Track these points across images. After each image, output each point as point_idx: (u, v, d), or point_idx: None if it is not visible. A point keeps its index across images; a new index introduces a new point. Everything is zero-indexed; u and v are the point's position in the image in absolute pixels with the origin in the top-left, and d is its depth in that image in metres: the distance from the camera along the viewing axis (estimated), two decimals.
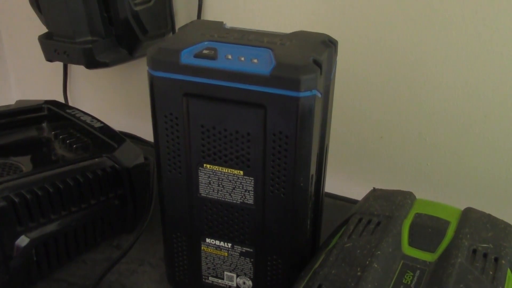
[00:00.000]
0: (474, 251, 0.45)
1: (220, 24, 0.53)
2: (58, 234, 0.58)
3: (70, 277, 0.61)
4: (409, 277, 0.44)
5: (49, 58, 0.81)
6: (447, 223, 0.50)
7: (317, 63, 0.44)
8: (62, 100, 1.03)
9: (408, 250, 0.47)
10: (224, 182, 0.50)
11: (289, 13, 0.75)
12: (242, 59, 0.45)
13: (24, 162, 0.65)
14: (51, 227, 0.57)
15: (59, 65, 0.99)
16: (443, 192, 0.75)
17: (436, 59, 0.68)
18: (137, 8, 0.76)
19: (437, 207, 0.53)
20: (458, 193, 0.74)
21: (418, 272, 0.45)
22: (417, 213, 0.52)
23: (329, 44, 0.49)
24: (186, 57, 0.46)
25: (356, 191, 0.67)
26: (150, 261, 0.64)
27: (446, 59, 0.68)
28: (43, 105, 0.74)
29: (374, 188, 0.58)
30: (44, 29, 0.81)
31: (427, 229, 0.49)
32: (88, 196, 0.61)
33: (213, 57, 0.45)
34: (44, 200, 0.56)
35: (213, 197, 0.51)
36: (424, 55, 0.69)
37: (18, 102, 0.74)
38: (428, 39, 0.68)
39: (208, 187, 0.51)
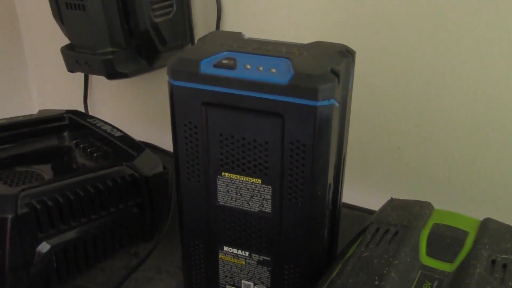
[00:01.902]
0: (493, 261, 0.45)
1: (238, 35, 0.54)
2: (78, 241, 0.59)
3: (89, 284, 0.62)
4: (427, 287, 0.44)
5: (71, 69, 0.83)
6: (465, 233, 0.49)
7: (335, 73, 0.45)
8: (82, 109, 1.04)
9: (426, 260, 0.47)
10: (242, 191, 0.50)
11: (307, 24, 0.75)
12: (261, 68, 0.45)
13: (46, 170, 0.66)
14: (71, 234, 0.58)
15: (80, 75, 1.01)
16: (462, 202, 0.74)
17: (454, 69, 0.68)
18: (157, 20, 0.77)
19: (456, 217, 0.52)
20: (476, 203, 0.73)
21: (436, 282, 0.44)
22: (435, 223, 0.51)
23: (346, 54, 0.49)
24: (206, 67, 0.46)
25: (374, 201, 0.66)
26: (167, 269, 0.65)
27: (464, 69, 0.67)
28: (64, 115, 0.75)
29: (391, 198, 0.58)
30: (66, 41, 0.82)
31: (446, 239, 0.49)
32: (107, 204, 0.61)
33: (232, 67, 0.46)
34: (65, 207, 0.57)
35: (231, 205, 0.51)
36: (441, 66, 0.69)
37: (40, 111, 0.76)
38: (445, 49, 0.68)
39: (226, 195, 0.51)
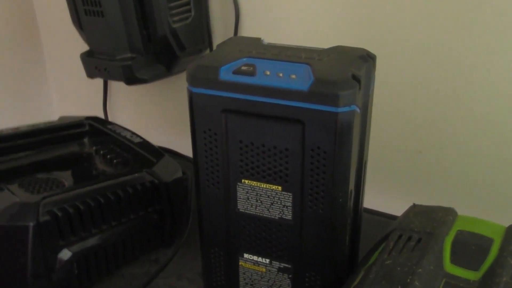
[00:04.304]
0: None
1: (258, 41, 0.53)
2: (98, 248, 0.59)
3: None
4: None
5: (90, 75, 0.83)
6: (490, 240, 0.48)
7: (356, 78, 0.44)
8: (102, 115, 1.05)
9: (450, 268, 0.46)
10: (262, 198, 0.50)
11: (327, 28, 0.75)
12: (281, 75, 0.45)
13: (66, 177, 0.66)
14: (92, 241, 0.58)
15: (99, 81, 1.02)
16: (486, 208, 0.73)
17: (476, 71, 0.67)
18: (175, 25, 0.77)
19: (480, 224, 0.51)
20: (501, 209, 0.72)
21: None
22: (459, 230, 0.50)
23: (367, 58, 0.49)
24: (225, 74, 0.46)
25: (395, 207, 0.66)
26: (188, 275, 0.65)
27: (489, 69, 0.66)
28: (84, 121, 0.75)
29: (414, 204, 0.57)
30: (85, 47, 0.83)
31: (470, 247, 0.48)
32: (128, 211, 0.61)
33: (251, 74, 0.46)
34: (85, 214, 0.57)
35: (251, 212, 0.51)
36: (462, 68, 0.68)
37: (61, 118, 0.76)
38: (468, 51, 0.67)
39: (246, 203, 0.51)
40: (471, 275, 0.45)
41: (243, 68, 0.46)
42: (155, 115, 1.02)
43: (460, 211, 0.54)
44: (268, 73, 0.45)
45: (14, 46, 1.06)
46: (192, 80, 0.47)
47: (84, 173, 0.69)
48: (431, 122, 0.73)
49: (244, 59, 0.47)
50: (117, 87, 1.04)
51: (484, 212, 0.73)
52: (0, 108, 1.06)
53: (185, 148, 0.74)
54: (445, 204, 0.56)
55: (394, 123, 0.75)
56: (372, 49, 0.51)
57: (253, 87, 0.45)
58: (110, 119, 1.06)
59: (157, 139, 0.86)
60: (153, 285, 0.62)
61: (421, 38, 0.69)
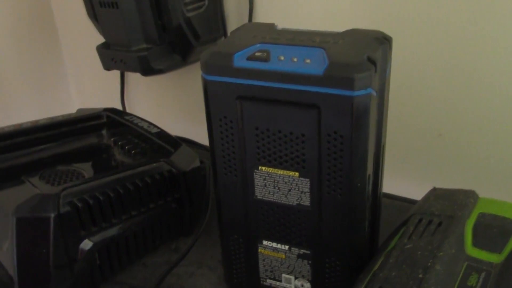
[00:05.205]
0: None
1: (271, 26, 0.53)
2: (119, 238, 0.60)
3: (132, 280, 0.63)
4: (474, 279, 0.42)
5: (107, 67, 0.83)
6: None
7: (372, 61, 0.44)
8: (120, 107, 1.06)
9: (472, 251, 0.45)
10: (280, 184, 0.50)
11: (342, 11, 0.74)
12: (295, 60, 0.45)
13: (86, 168, 0.67)
14: (112, 231, 0.59)
15: (116, 73, 1.02)
16: (508, 190, 0.72)
17: (499, 48, 0.65)
18: (189, 14, 0.77)
19: (502, 206, 0.50)
20: None
21: (483, 274, 0.43)
22: (480, 212, 0.50)
23: (383, 40, 0.48)
24: (239, 60, 0.46)
25: (415, 191, 0.65)
26: (208, 263, 0.65)
27: (508, 50, 0.65)
28: (102, 113, 0.76)
29: (434, 187, 0.56)
30: (101, 39, 0.83)
31: (492, 229, 0.47)
32: (147, 200, 0.62)
33: (265, 59, 0.45)
34: (105, 204, 0.57)
35: (269, 199, 0.51)
36: (483, 46, 0.66)
37: (79, 110, 0.77)
38: (490, 27, 0.65)
39: (264, 189, 0.51)
40: (494, 258, 0.44)
41: (257, 54, 0.46)
42: (172, 105, 1.03)
43: (481, 194, 0.53)
44: (282, 58, 0.45)
45: (32, 41, 1.07)
46: (206, 68, 0.47)
47: (103, 164, 0.69)
48: (451, 103, 0.72)
49: (258, 45, 0.47)
50: (134, 79, 1.04)
51: (507, 194, 0.71)
52: (19, 102, 1.08)
53: (203, 137, 0.74)
54: (466, 187, 0.55)
55: (413, 106, 0.74)
56: (388, 31, 0.51)
57: (268, 73, 0.45)
58: (128, 109, 1.07)
59: (174, 128, 0.87)
60: (174, 273, 0.63)
61: (439, 18, 0.68)
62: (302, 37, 0.49)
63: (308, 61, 0.44)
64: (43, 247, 0.54)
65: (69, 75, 1.17)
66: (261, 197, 0.51)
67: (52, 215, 0.53)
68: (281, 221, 0.52)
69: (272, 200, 0.51)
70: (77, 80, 1.17)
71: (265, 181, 0.50)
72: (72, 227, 0.55)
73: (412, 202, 0.71)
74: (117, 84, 1.05)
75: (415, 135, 0.76)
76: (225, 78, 0.47)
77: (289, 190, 0.50)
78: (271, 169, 0.49)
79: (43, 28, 1.09)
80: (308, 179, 0.48)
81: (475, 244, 0.46)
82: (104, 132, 0.75)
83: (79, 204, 0.55)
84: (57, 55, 1.13)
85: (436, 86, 0.72)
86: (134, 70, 0.80)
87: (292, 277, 0.55)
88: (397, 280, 0.42)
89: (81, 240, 0.56)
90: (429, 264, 0.43)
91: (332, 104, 0.44)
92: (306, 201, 0.49)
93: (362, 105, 0.43)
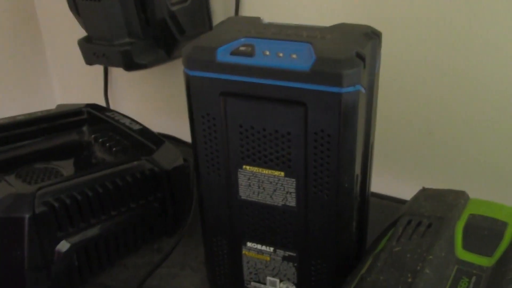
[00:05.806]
0: None
1: (257, 20, 0.51)
2: (98, 239, 0.58)
3: (112, 282, 0.61)
4: (465, 284, 0.41)
5: (89, 62, 0.81)
6: (504, 224, 0.47)
7: (360, 57, 0.42)
8: (103, 102, 1.04)
9: (463, 254, 0.44)
10: (265, 184, 0.48)
11: (330, 5, 0.72)
12: (281, 55, 0.43)
13: (65, 166, 0.65)
14: (91, 232, 0.57)
15: (100, 68, 1.00)
16: (499, 191, 0.71)
17: (488, 47, 0.64)
18: (174, 8, 0.75)
19: (493, 207, 0.49)
20: None
21: (474, 278, 0.42)
22: (471, 214, 0.48)
23: (372, 36, 0.47)
24: (223, 55, 0.44)
25: (404, 191, 0.64)
26: (191, 264, 0.63)
27: (500, 47, 0.64)
28: (83, 109, 0.74)
29: (423, 187, 0.55)
30: (84, 33, 0.81)
31: (483, 231, 0.46)
32: (127, 200, 0.60)
33: (250, 54, 0.43)
34: (83, 204, 0.56)
35: (253, 199, 0.49)
36: (473, 44, 0.65)
37: (58, 106, 0.75)
38: (479, 26, 0.64)
39: (248, 189, 0.49)
40: (485, 261, 0.43)
41: (241, 48, 0.44)
42: (157, 101, 1.01)
43: (472, 195, 0.52)
44: (267, 53, 0.43)
45: (13, 35, 1.05)
46: (188, 63, 0.45)
47: (83, 162, 0.67)
48: (441, 102, 0.70)
49: (242, 39, 0.45)
50: (118, 74, 1.02)
51: (497, 195, 0.70)
52: (1, 99, 1.05)
53: (186, 134, 0.72)
54: (456, 186, 0.54)
55: (403, 103, 0.73)
56: (377, 26, 0.49)
57: (252, 68, 0.43)
58: (111, 105, 1.05)
59: (159, 125, 0.85)
60: (156, 274, 0.61)
61: (429, 14, 0.66)
62: (289, 31, 0.47)
63: (294, 56, 0.43)
64: (18, 248, 0.52)
65: (52, 71, 1.14)
66: (245, 198, 0.50)
67: (27, 215, 0.51)
68: (266, 222, 0.50)
69: (256, 200, 0.49)
70: (60, 76, 1.14)
71: (249, 181, 0.48)
72: (48, 228, 0.53)
73: (401, 201, 0.70)
74: (101, 79, 1.03)
75: (405, 133, 0.75)
76: (208, 73, 0.45)
77: (275, 190, 0.48)
78: (256, 168, 0.48)
79: (25, 21, 1.07)
80: (294, 179, 0.47)
81: (466, 247, 0.45)
82: (84, 128, 0.73)
83: (56, 204, 0.53)
84: (39, 50, 1.11)
85: (426, 83, 0.70)
86: (116, 65, 0.78)
87: (277, 280, 0.53)
88: (386, 284, 0.41)
89: (58, 241, 0.54)
90: (419, 267, 0.41)
91: (319, 101, 0.42)
92: (292, 201, 0.48)
93: (350, 102, 0.42)
